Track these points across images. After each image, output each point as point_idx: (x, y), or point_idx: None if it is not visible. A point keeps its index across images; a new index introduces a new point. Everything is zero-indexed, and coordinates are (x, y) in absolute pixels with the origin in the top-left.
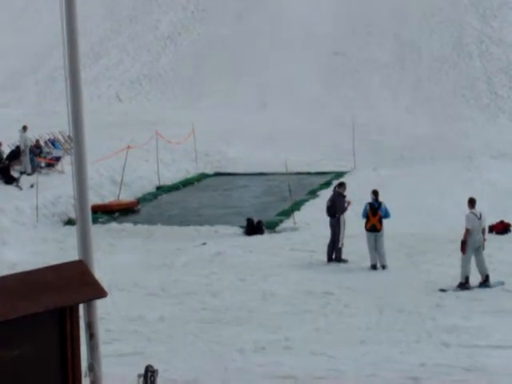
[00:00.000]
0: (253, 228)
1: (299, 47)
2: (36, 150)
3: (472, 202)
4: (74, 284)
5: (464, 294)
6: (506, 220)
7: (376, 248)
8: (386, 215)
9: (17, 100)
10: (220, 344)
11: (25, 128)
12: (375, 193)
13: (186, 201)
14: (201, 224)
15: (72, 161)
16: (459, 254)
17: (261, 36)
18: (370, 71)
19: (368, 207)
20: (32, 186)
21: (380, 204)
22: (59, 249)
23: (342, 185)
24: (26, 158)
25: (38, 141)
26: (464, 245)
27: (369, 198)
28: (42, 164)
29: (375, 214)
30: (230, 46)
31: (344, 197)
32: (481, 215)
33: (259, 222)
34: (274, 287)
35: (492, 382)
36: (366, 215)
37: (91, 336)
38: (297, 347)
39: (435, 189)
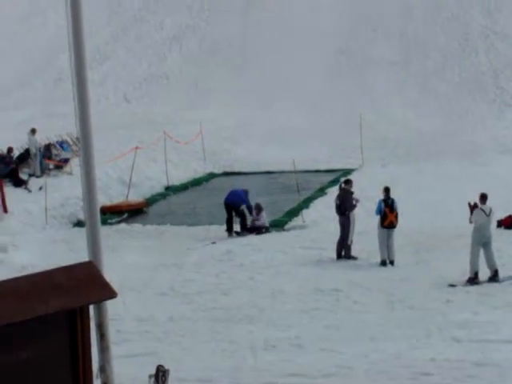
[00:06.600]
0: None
1: (305, 45)
2: (47, 152)
3: (484, 198)
4: (84, 285)
5: (473, 288)
6: None
7: (387, 244)
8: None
9: (23, 102)
10: (231, 342)
11: (33, 131)
12: (387, 190)
13: (195, 200)
14: (210, 223)
15: (80, 162)
16: (468, 249)
17: (266, 34)
18: (376, 68)
19: (383, 204)
20: (41, 188)
21: (393, 201)
22: (69, 250)
23: (348, 182)
24: (35, 161)
25: (50, 144)
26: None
27: (377, 194)
28: (51, 166)
29: (392, 211)
30: (235, 45)
31: (352, 194)
32: (490, 211)
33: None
34: (284, 285)
35: (503, 376)
36: (384, 212)
37: (102, 337)
38: (307, 345)
39: (442, 184)
